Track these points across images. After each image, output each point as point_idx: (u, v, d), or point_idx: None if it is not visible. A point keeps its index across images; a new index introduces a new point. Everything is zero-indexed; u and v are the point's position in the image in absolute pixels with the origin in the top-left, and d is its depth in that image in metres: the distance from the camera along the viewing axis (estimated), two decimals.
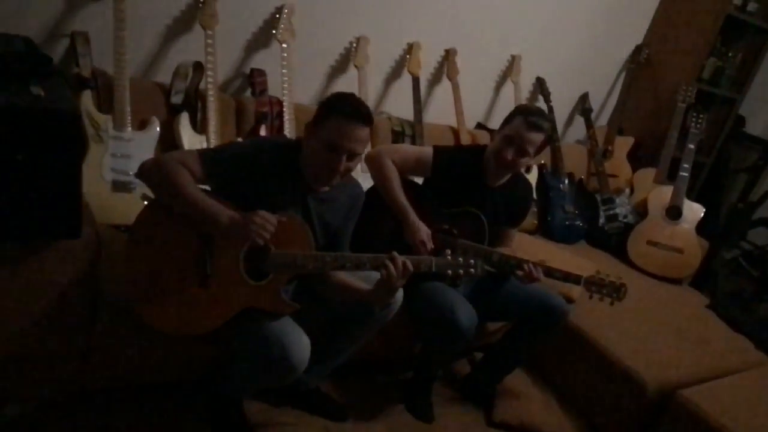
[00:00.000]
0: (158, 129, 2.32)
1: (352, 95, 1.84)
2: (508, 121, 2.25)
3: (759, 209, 4.42)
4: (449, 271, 1.88)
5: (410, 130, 2.98)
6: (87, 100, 2.19)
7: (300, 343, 1.71)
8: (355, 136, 1.74)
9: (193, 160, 1.74)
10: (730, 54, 3.88)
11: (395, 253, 1.78)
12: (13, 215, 1.53)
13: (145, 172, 1.73)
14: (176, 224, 1.73)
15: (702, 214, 3.45)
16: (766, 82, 4.33)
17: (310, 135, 1.79)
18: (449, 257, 1.87)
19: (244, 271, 1.75)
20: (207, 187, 1.83)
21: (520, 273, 2.17)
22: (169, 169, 1.69)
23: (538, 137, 2.19)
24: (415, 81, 3.03)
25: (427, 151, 2.35)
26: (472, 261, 1.88)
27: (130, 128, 2.25)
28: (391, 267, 1.76)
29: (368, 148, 2.61)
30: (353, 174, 1.95)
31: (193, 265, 1.73)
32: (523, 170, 2.32)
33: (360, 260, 1.80)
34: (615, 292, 2.21)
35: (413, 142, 2.96)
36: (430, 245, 2.19)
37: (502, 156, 2.21)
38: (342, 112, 1.74)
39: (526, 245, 2.82)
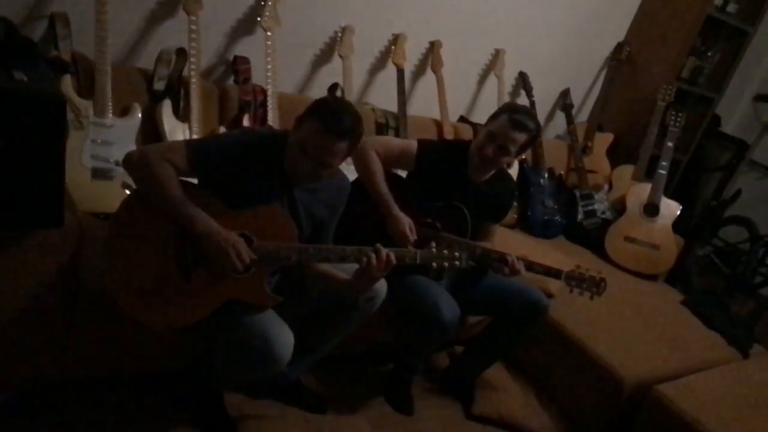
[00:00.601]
0: (140, 116, 2.27)
1: (345, 106, 1.80)
2: (494, 117, 2.25)
3: (731, 207, 4.52)
4: (434, 264, 1.89)
5: (394, 122, 2.97)
6: (67, 84, 2.13)
7: (283, 337, 1.71)
8: (328, 148, 1.71)
9: (179, 153, 1.71)
10: (709, 53, 3.94)
11: (379, 246, 1.78)
12: None
13: (129, 164, 1.71)
14: (157, 216, 1.70)
15: (678, 212, 3.50)
16: (742, 82, 4.42)
17: (294, 130, 1.78)
18: (434, 249, 1.88)
19: None
20: (194, 180, 1.81)
21: (502, 266, 2.18)
22: (154, 167, 1.66)
23: (521, 137, 2.19)
24: (400, 72, 3.01)
25: (412, 144, 2.35)
26: (456, 254, 1.89)
27: (111, 114, 2.20)
28: (373, 258, 1.77)
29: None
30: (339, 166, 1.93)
31: (175, 257, 1.71)
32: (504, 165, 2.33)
33: (344, 252, 1.80)
34: (595, 286, 2.24)
35: (397, 134, 2.95)
36: (413, 237, 2.18)
37: (484, 152, 2.22)
38: (324, 120, 1.69)
39: (505, 239, 2.83)
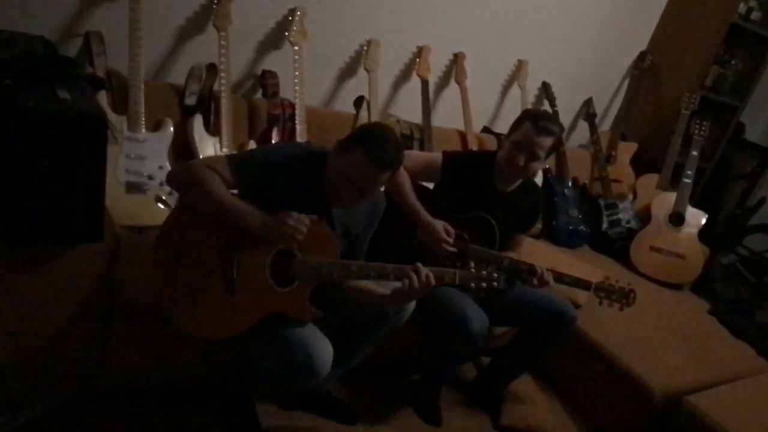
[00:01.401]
0: (172, 130, 2.31)
1: (389, 135, 1.81)
2: (516, 126, 2.25)
3: (755, 215, 4.48)
4: (472, 284, 1.86)
5: (419, 134, 2.99)
6: (102, 101, 2.18)
7: (323, 349, 1.73)
8: (372, 179, 1.74)
9: (221, 165, 1.73)
10: (732, 62, 3.92)
11: (419, 265, 1.78)
12: (37, 220, 1.54)
13: (175, 177, 1.75)
14: (202, 229, 1.73)
15: (704, 221, 3.48)
16: (766, 89, 4.38)
17: (336, 154, 1.78)
18: (473, 270, 1.86)
19: (270, 277, 1.76)
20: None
21: (531, 278, 2.19)
22: (199, 172, 1.69)
23: (548, 141, 2.20)
24: (424, 84, 3.04)
25: (437, 156, 2.36)
26: (495, 274, 1.86)
27: (144, 129, 2.25)
28: (414, 279, 1.76)
29: None
30: None
31: (219, 271, 1.73)
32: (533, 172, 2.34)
33: (384, 270, 1.80)
34: (624, 297, 2.24)
35: (422, 146, 2.97)
36: (450, 240, 2.18)
37: (515, 162, 2.22)
38: (370, 151, 1.70)
39: (531, 249, 2.83)
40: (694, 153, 3.55)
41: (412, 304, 2.00)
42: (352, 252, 1.96)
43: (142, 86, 2.24)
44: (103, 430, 1.93)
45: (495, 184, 2.34)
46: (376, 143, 1.73)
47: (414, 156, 2.42)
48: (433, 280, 1.78)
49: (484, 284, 1.85)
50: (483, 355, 2.71)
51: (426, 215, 2.21)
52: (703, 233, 3.50)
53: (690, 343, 2.74)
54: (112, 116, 2.20)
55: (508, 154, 2.25)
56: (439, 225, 2.19)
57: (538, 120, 2.19)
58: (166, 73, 2.55)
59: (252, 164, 1.78)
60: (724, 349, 2.80)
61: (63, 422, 1.89)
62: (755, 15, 3.78)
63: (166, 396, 2.07)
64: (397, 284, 1.80)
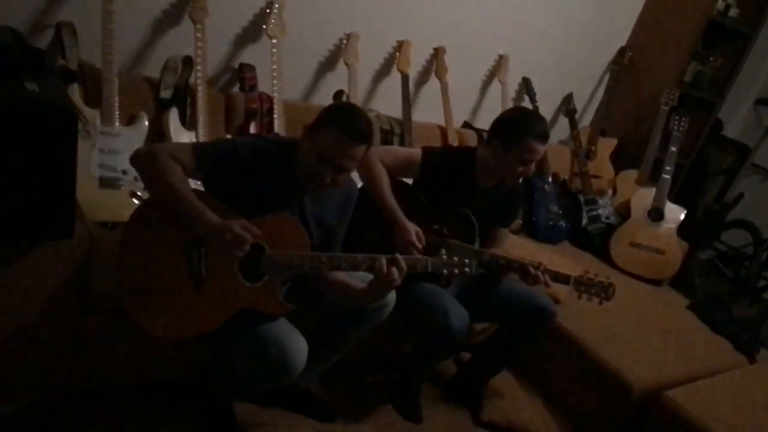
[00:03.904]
0: (147, 124, 2.27)
1: (357, 110, 1.83)
2: (517, 141, 2.16)
3: (733, 211, 4.53)
4: (444, 271, 1.88)
5: (399, 129, 2.97)
6: (74, 94, 2.13)
7: (298, 345, 1.71)
8: (349, 154, 1.73)
9: (186, 152, 1.71)
10: (711, 58, 3.94)
11: (398, 255, 1.78)
12: (5, 215, 1.49)
13: (137, 159, 1.72)
14: (169, 226, 1.69)
15: (683, 216, 3.50)
16: (743, 86, 4.43)
17: (307, 137, 1.78)
18: (444, 257, 1.88)
19: (239, 272, 1.73)
20: (199, 186, 1.81)
21: (510, 273, 2.18)
22: (160, 160, 1.66)
23: (545, 147, 2.21)
24: (404, 79, 3.02)
25: (416, 152, 2.35)
26: (466, 260, 1.88)
27: (118, 123, 2.20)
28: (385, 268, 1.75)
29: None
30: None
31: (187, 268, 1.70)
32: None
33: (356, 261, 1.79)
34: (604, 291, 2.23)
35: (402, 141, 2.95)
36: (419, 245, 2.18)
37: (524, 174, 2.25)
38: (342, 127, 1.71)
39: (511, 245, 2.83)
40: (673, 149, 3.57)
41: (392, 300, 1.98)
42: (327, 243, 1.95)
43: (116, 79, 2.20)
44: (79, 428, 1.88)
45: (475, 180, 2.33)
46: (346, 118, 1.74)
47: (393, 152, 2.40)
48: (404, 266, 1.77)
49: (455, 270, 1.86)
50: (463, 351, 2.71)
51: (401, 216, 2.20)
52: (682, 229, 3.52)
53: (669, 338, 2.75)
54: (85, 110, 2.15)
55: (515, 171, 2.22)
56: (412, 228, 2.18)
57: (539, 133, 2.16)
58: (141, 66, 2.50)
59: (217, 154, 1.75)
60: (703, 344, 2.82)
61: (33, 421, 1.85)
62: (733, 12, 3.81)
63: (141, 395, 2.03)
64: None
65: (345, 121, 1.73)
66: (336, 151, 1.71)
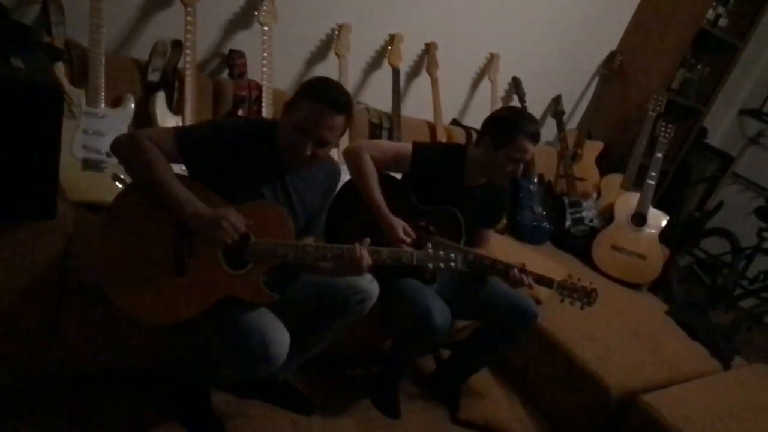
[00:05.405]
0: (133, 107, 2.23)
1: (333, 81, 1.82)
2: (508, 139, 2.17)
3: (712, 219, 4.58)
4: (430, 265, 1.88)
5: (388, 123, 2.95)
6: (60, 72, 2.08)
7: (280, 336, 1.69)
8: (326, 123, 1.71)
9: (167, 137, 1.70)
10: (698, 66, 3.98)
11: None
12: None
13: (117, 146, 1.69)
14: (153, 209, 1.67)
15: (665, 222, 3.53)
16: (729, 95, 4.47)
17: (286, 112, 1.77)
18: (430, 251, 1.87)
19: (222, 259, 1.70)
20: (183, 171, 1.78)
21: (494, 273, 2.18)
22: (142, 147, 1.64)
23: (535, 146, 2.24)
24: (395, 73, 3.00)
25: (406, 147, 2.33)
26: (452, 255, 1.88)
27: (103, 104, 2.16)
28: (359, 252, 1.76)
29: (345, 140, 2.59)
30: (331, 153, 1.93)
31: (170, 252, 1.68)
32: None
33: (340, 251, 1.78)
34: (586, 296, 2.23)
35: (390, 135, 2.93)
36: (408, 240, 2.17)
37: (513, 174, 2.25)
38: (318, 96, 1.71)
39: (494, 244, 2.83)
40: (659, 155, 3.59)
41: (374, 294, 1.97)
42: (312, 223, 1.95)
43: (103, 59, 2.15)
44: (49, 415, 1.85)
45: (463, 179, 2.32)
46: (323, 89, 1.74)
47: (383, 145, 2.38)
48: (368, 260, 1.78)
49: (441, 264, 1.86)
50: (443, 347, 2.70)
51: (387, 213, 2.18)
52: (663, 235, 3.55)
53: (647, 343, 2.77)
54: (70, 89, 2.11)
55: (505, 170, 2.23)
56: (399, 225, 2.17)
57: (530, 133, 2.18)
58: (129, 47, 2.46)
59: (199, 137, 1.74)
60: (680, 350, 2.85)
61: (4, 407, 1.80)
62: (722, 21, 3.84)
63: (116, 383, 2.00)
64: None
65: (321, 91, 1.72)
66: (312, 121, 1.70)
